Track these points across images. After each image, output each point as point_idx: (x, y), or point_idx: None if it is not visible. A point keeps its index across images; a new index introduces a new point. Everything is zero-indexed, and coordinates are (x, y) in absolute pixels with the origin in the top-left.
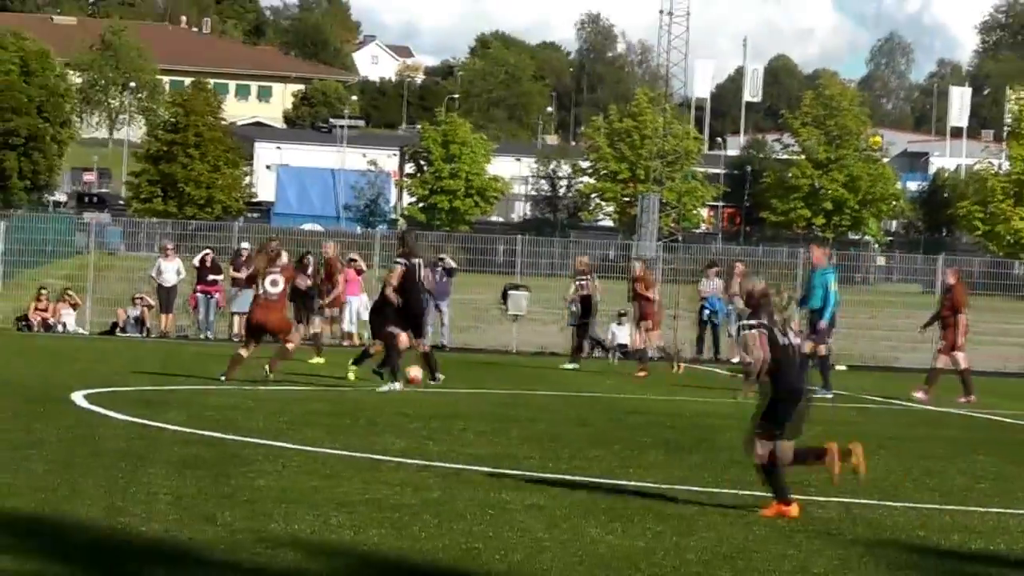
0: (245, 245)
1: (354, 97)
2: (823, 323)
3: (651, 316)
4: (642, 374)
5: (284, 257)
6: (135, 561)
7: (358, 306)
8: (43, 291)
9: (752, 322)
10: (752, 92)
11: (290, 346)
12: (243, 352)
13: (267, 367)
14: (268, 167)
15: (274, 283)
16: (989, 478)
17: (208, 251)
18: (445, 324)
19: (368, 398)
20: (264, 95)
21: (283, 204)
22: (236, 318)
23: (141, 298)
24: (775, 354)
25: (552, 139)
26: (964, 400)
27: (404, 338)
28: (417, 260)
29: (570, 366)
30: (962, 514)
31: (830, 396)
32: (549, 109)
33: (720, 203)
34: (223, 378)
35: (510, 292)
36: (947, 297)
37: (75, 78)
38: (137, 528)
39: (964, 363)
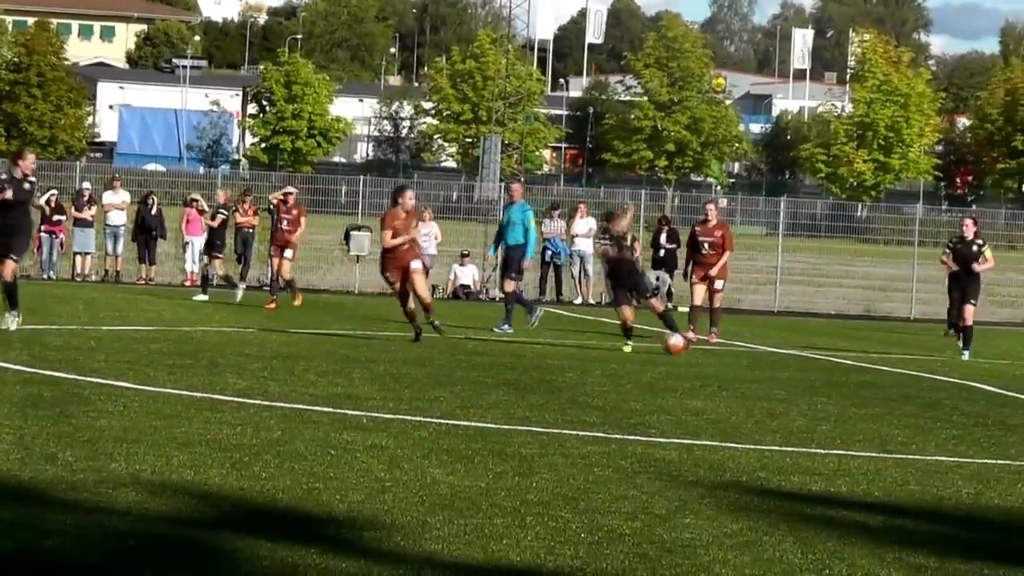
0: (87, 185)
1: (197, 37)
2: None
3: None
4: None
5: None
6: None
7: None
8: None
9: None
10: (595, 34)
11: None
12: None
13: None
14: (111, 107)
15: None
16: (830, 420)
17: (52, 191)
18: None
19: (210, 338)
20: (107, 35)
21: (126, 144)
22: (78, 258)
23: None
24: None
25: (395, 80)
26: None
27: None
28: None
29: (204, 298)
30: (803, 456)
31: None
32: (392, 50)
33: (563, 145)
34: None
35: (352, 233)
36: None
37: None
38: None
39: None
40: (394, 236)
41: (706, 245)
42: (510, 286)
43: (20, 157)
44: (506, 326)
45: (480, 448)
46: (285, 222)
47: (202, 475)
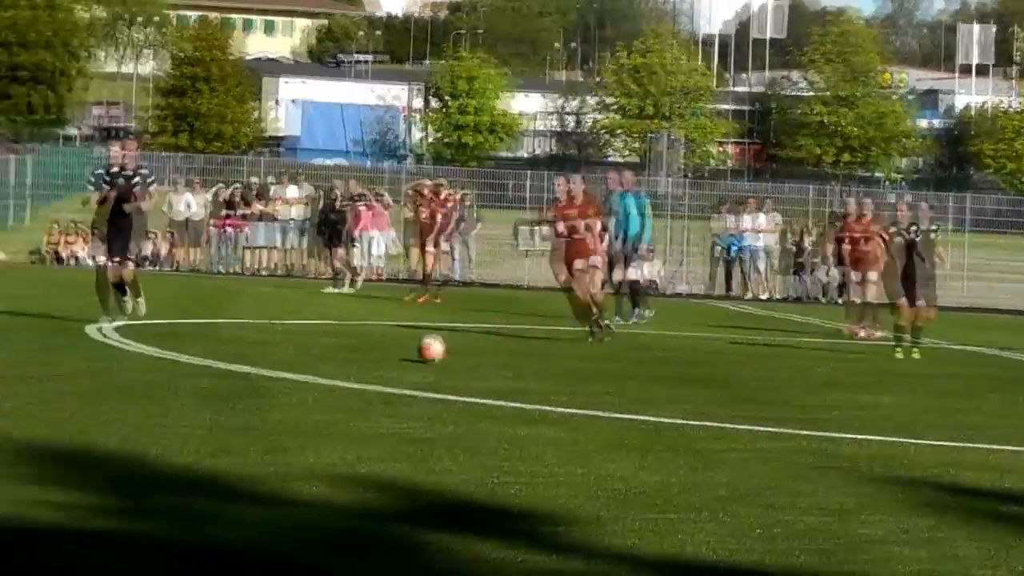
0: (267, 179)
1: (378, 32)
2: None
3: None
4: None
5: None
6: (156, 493)
7: (375, 241)
8: (56, 225)
9: None
10: (776, 29)
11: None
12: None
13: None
14: (284, 102)
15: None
16: (1007, 416)
17: (223, 185)
18: (471, 260)
19: (387, 333)
20: (279, 30)
21: (302, 139)
22: (253, 252)
23: (155, 233)
24: None
25: (562, 75)
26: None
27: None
28: None
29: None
30: (977, 451)
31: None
32: (557, 45)
33: (743, 140)
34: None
35: (520, 228)
36: None
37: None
38: (158, 461)
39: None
40: (561, 228)
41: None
42: (632, 275)
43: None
44: (640, 311)
45: (656, 443)
46: (434, 215)
47: (379, 469)
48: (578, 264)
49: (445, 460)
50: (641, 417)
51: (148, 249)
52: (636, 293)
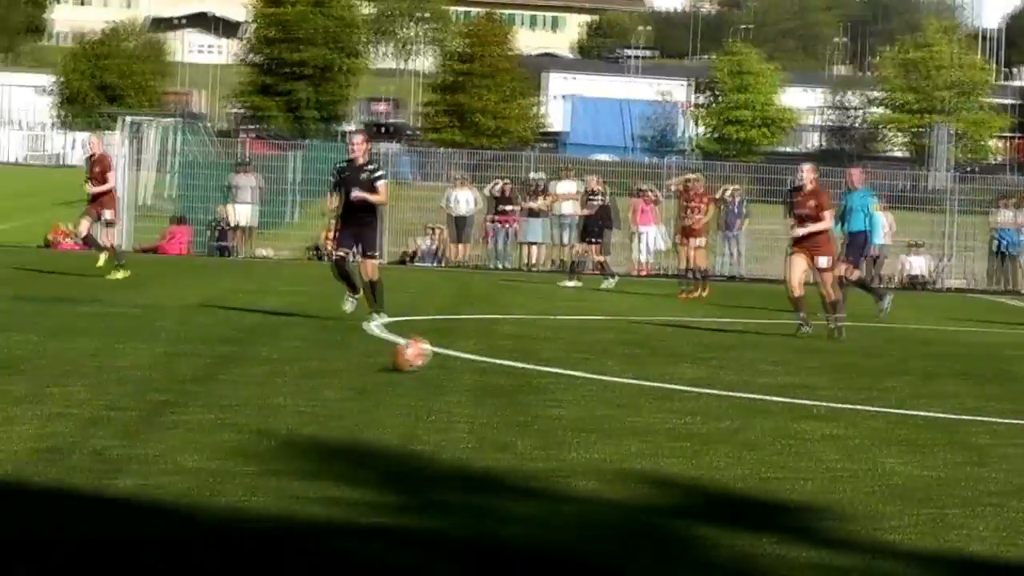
0: (536, 175)
1: (647, 27)
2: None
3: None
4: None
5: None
6: (431, 488)
7: (652, 236)
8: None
9: None
10: None
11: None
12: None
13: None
14: (559, 97)
15: None
16: None
17: (500, 181)
18: (740, 254)
19: (662, 328)
20: (555, 25)
21: (575, 134)
22: (524, 248)
23: (434, 228)
24: None
25: (842, 70)
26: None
27: None
28: None
29: (570, 284)
30: None
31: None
32: (837, 39)
33: (1016, 135)
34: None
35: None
36: None
37: (366, 9)
38: (433, 456)
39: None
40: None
41: None
42: (855, 274)
43: (350, 143)
44: (884, 302)
45: (933, 438)
46: (691, 210)
47: (657, 464)
48: (820, 262)
49: (721, 455)
50: (915, 412)
51: (425, 244)
52: (865, 288)
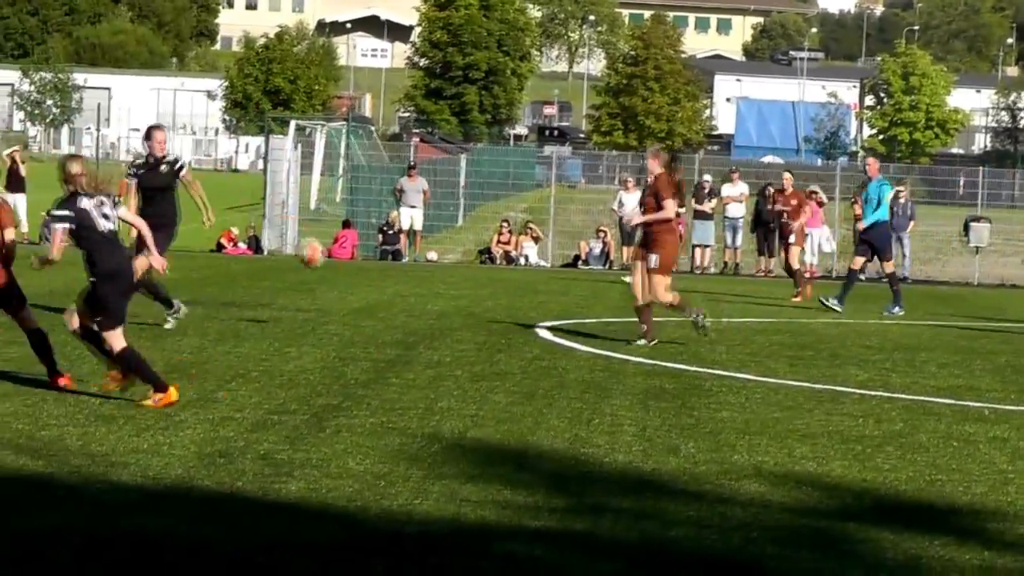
0: (707, 177)
1: (814, 29)
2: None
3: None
4: (798, 299)
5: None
6: (598, 491)
7: (819, 238)
8: (505, 224)
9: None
10: None
11: None
12: None
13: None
14: (728, 99)
15: None
16: None
17: None
18: (907, 256)
19: (830, 330)
20: (723, 27)
21: (743, 136)
22: (698, 250)
23: (603, 231)
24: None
25: (1012, 71)
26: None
27: None
28: None
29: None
30: None
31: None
32: (1009, 40)
33: None
34: None
35: (971, 224)
36: None
37: (535, 12)
38: (600, 459)
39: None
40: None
41: None
42: (889, 267)
43: (147, 137)
44: (897, 308)
45: None
46: (784, 212)
47: (824, 466)
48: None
49: (890, 457)
50: None
51: (594, 247)
52: (892, 281)
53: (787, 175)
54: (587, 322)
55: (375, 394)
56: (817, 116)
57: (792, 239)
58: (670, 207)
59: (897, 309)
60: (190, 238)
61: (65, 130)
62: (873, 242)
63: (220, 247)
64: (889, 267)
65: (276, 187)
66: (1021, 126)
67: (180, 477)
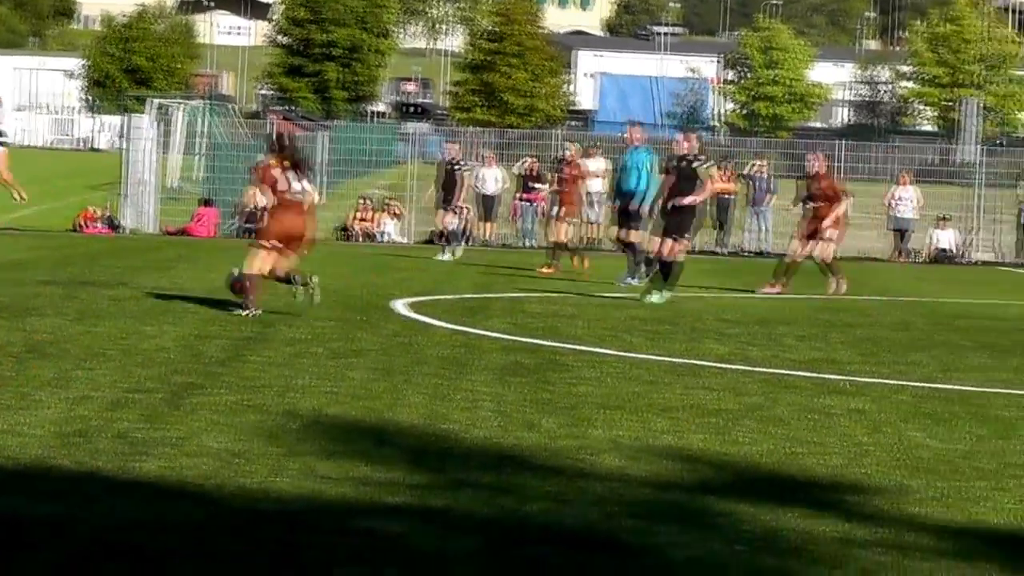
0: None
1: (676, 4)
2: (643, 207)
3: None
4: (547, 270)
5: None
6: (456, 467)
7: None
8: (364, 201)
9: None
10: None
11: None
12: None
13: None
14: (588, 75)
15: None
16: None
17: (529, 159)
18: (768, 230)
19: (689, 304)
20: (585, 3)
21: (604, 112)
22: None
23: (462, 207)
24: None
25: (872, 44)
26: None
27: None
28: None
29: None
30: None
31: (634, 282)
32: (869, 14)
33: None
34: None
35: None
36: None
37: None
38: (458, 434)
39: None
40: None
41: None
42: (635, 236)
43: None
44: (631, 279)
45: (960, 411)
46: (564, 183)
47: (683, 440)
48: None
49: (749, 430)
50: (944, 386)
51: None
52: (632, 251)
53: (573, 145)
54: (446, 298)
55: (233, 372)
56: (678, 91)
57: (555, 212)
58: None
59: (630, 279)
60: (48, 218)
61: None
62: (628, 208)
63: (78, 227)
64: (635, 236)
65: (135, 166)
66: (881, 99)
67: (38, 457)
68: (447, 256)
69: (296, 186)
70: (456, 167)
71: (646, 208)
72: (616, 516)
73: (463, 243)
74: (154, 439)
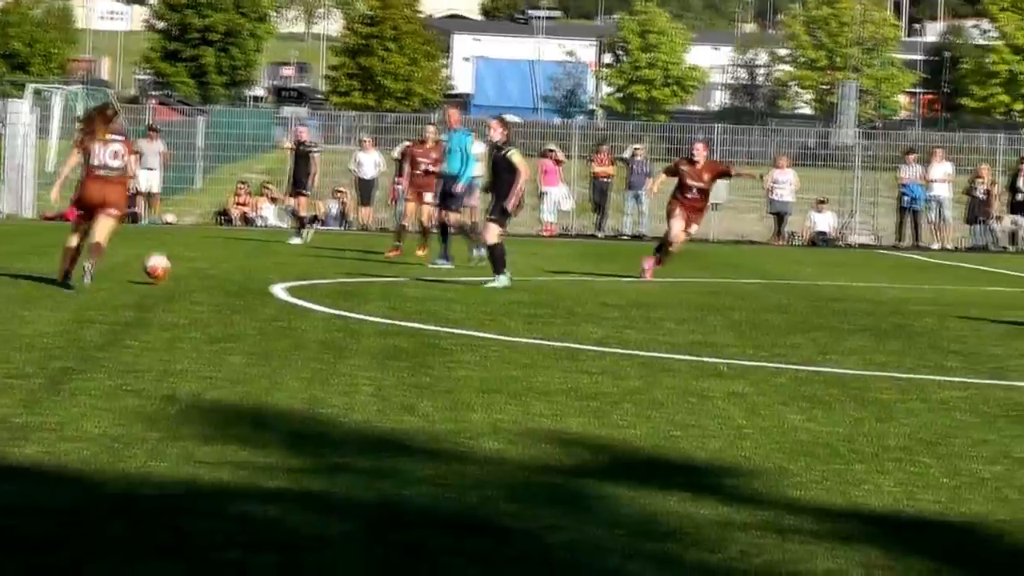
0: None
1: None
2: (460, 186)
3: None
4: (393, 253)
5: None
6: (335, 451)
7: (557, 196)
8: (242, 185)
9: None
10: None
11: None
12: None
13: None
14: (466, 59)
15: (116, 155)
16: None
17: (407, 143)
18: (645, 213)
19: (567, 288)
20: None
21: (481, 96)
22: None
23: (340, 191)
24: None
25: (750, 28)
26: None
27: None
28: None
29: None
30: None
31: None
32: None
33: (919, 90)
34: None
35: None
36: None
37: None
38: (337, 419)
39: None
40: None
41: None
42: (452, 217)
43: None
44: (443, 261)
45: (839, 394)
46: (424, 165)
47: (561, 423)
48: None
49: (627, 414)
50: (824, 369)
51: (332, 208)
52: (464, 234)
53: (432, 128)
54: (324, 283)
55: (112, 357)
56: (555, 75)
57: (428, 197)
58: None
59: (442, 262)
60: None
61: None
62: (449, 190)
63: None
64: (453, 218)
65: (12, 151)
66: (758, 82)
67: None
68: (298, 240)
69: (111, 162)
70: (306, 148)
71: (461, 186)
72: (495, 500)
73: (316, 226)
74: (33, 424)
